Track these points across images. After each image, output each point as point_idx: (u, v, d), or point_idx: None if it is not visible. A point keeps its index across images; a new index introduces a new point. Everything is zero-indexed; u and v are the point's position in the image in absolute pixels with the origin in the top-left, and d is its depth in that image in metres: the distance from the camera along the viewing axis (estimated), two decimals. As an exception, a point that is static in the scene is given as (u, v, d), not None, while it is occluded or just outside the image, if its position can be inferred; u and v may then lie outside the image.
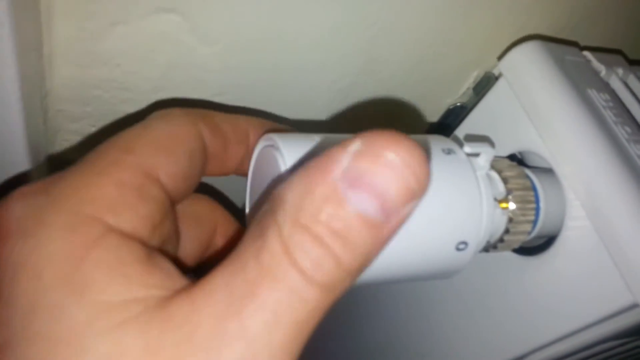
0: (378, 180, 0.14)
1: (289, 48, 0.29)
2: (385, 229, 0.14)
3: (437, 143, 0.22)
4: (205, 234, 0.24)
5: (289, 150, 0.19)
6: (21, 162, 0.28)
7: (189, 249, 0.23)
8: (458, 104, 0.37)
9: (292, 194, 0.14)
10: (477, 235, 0.22)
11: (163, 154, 0.19)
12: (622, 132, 0.26)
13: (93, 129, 0.31)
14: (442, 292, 0.33)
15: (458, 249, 0.21)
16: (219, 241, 0.24)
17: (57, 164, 0.33)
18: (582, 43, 0.36)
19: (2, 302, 0.15)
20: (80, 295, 0.15)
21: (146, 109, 0.30)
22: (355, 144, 0.14)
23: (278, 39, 0.28)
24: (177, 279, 0.16)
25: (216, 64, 0.28)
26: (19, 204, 0.17)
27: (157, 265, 0.16)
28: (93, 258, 0.15)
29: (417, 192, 0.14)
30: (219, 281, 0.15)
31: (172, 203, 0.20)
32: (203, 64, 0.28)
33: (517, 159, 0.30)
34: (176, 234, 0.21)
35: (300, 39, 0.29)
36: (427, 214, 0.20)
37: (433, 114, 0.39)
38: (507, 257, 0.28)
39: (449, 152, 0.22)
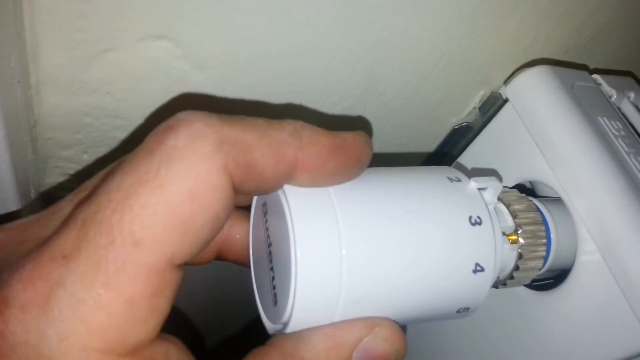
0: None
1: (287, 71, 0.28)
2: None
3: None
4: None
5: (295, 203, 0.18)
6: (7, 189, 0.27)
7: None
8: (464, 124, 0.36)
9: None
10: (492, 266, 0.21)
11: (181, 236, 0.16)
12: (636, 164, 0.24)
13: (85, 156, 0.30)
14: (450, 328, 0.32)
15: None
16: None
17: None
18: (591, 62, 0.35)
19: None
20: None
21: (139, 135, 0.29)
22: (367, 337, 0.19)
23: (275, 62, 0.27)
24: None
25: (211, 90, 0.27)
26: (18, 325, 0.15)
27: None
28: None
29: None
30: None
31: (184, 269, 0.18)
32: (197, 90, 0.27)
33: (527, 189, 0.28)
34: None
35: (299, 61, 0.28)
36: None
37: (438, 134, 0.38)
38: (518, 291, 0.27)
39: (456, 180, 0.21)
